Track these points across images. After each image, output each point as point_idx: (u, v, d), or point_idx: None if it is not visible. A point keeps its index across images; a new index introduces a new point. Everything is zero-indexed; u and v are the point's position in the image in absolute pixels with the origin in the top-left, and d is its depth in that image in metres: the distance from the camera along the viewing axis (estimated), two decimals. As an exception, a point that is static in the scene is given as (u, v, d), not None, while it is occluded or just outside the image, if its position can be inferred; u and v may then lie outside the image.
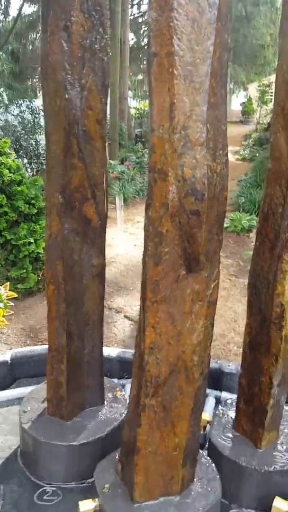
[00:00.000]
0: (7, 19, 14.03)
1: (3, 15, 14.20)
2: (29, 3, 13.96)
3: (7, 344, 3.55)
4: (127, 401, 1.91)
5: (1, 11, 14.13)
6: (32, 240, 3.95)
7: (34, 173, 8.86)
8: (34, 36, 13.95)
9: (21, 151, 8.32)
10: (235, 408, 1.78)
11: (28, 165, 8.67)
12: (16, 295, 3.01)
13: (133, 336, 3.72)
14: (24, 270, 3.97)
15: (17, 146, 8.16)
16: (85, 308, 1.71)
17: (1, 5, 13.95)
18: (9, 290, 2.89)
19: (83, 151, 1.51)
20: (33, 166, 8.83)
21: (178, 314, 1.28)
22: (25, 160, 8.54)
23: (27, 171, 8.58)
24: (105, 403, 1.87)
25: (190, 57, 1.08)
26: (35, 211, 4.05)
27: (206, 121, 1.13)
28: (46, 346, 2.49)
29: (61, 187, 1.53)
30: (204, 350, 1.36)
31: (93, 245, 1.66)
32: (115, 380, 2.17)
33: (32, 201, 4.04)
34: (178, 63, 1.08)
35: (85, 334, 1.73)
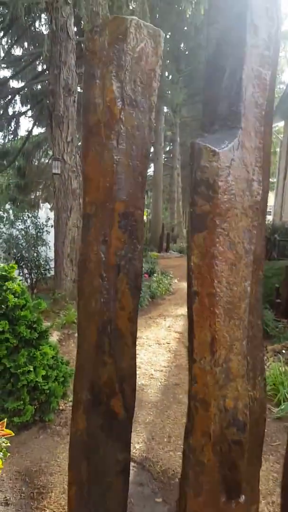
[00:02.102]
0: (16, 139, 15.48)
1: (12, 135, 15.69)
2: (37, 126, 15.53)
3: (1, 491, 3.22)
4: None
5: (11, 132, 15.64)
6: (31, 368, 3.80)
7: (34, 282, 8.96)
8: (40, 154, 15.21)
9: (22, 262, 8.50)
10: None
11: (28, 275, 8.79)
12: (13, 434, 2.79)
13: (136, 482, 3.40)
14: (21, 402, 3.75)
15: (18, 257, 8.34)
16: (106, 507, 1.58)
17: (11, 127, 15.49)
18: (5, 426, 2.69)
19: (114, 348, 1.52)
20: (32, 276, 8.96)
21: None
22: (25, 271, 8.68)
23: (27, 282, 8.68)
24: None
25: (230, 296, 1.15)
26: (36, 336, 3.98)
27: (246, 354, 1.16)
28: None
29: (90, 383, 1.51)
30: None
31: (118, 440, 1.59)
32: None
33: (34, 325, 3.98)
34: (219, 302, 1.14)
35: (106, 540, 1.58)
